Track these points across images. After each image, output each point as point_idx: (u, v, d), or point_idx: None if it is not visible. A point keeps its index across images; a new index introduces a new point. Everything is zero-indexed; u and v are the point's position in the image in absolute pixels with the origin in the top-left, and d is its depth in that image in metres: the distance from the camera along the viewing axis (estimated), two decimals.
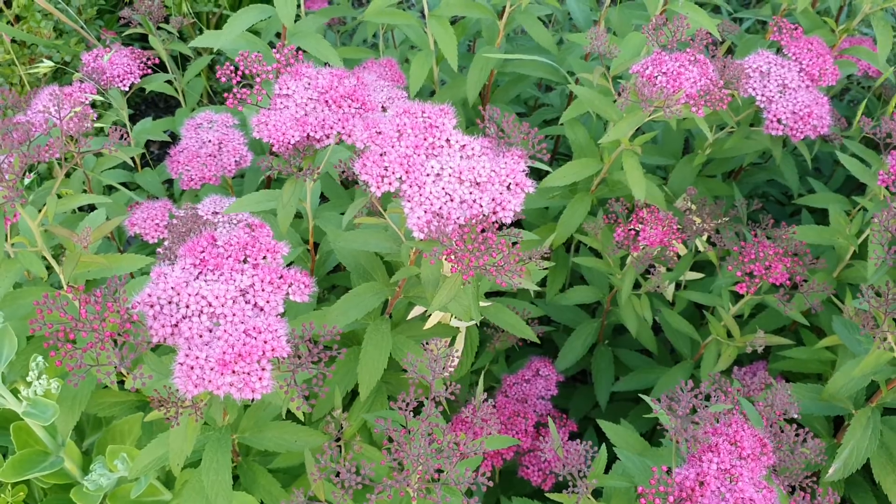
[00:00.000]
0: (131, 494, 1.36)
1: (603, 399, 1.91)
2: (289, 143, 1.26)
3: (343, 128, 1.28)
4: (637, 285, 1.77)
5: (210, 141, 1.69)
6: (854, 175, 1.61)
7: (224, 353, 0.98)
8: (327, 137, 1.28)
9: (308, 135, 1.26)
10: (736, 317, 1.72)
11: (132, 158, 2.00)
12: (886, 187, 1.50)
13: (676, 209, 1.75)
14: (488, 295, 1.75)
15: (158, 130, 1.94)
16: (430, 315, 1.48)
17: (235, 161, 1.69)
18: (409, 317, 1.48)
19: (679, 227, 1.63)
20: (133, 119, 1.99)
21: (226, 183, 1.79)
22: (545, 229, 1.84)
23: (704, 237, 1.72)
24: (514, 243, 1.16)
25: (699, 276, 1.82)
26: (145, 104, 3.05)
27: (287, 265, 1.13)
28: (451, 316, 1.50)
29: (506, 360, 1.95)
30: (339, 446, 1.37)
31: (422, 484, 1.13)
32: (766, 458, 1.05)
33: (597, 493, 1.32)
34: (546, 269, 1.92)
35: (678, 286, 1.84)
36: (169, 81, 2.04)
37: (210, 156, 1.68)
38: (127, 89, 1.78)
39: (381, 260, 1.46)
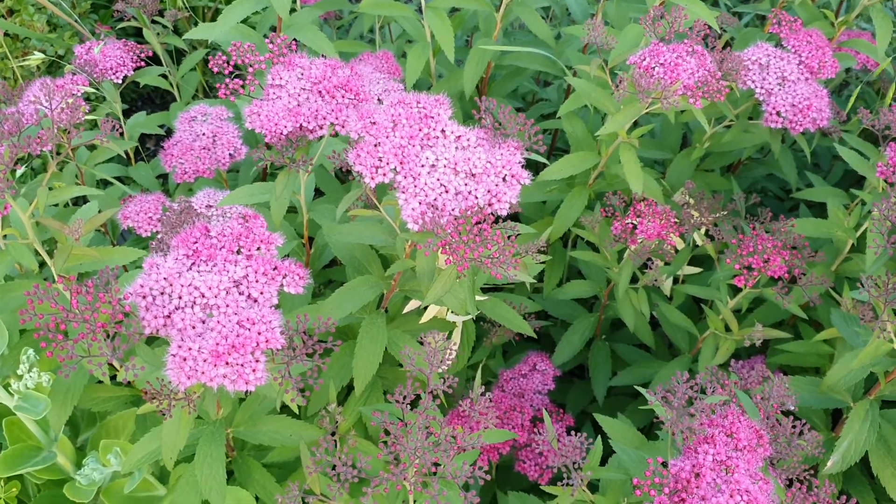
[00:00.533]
0: (125, 489, 1.35)
1: (600, 394, 1.90)
2: (281, 133, 1.25)
3: (336, 118, 1.27)
4: (634, 279, 1.76)
5: (204, 134, 1.68)
6: (853, 168, 1.60)
7: (217, 344, 0.97)
8: (320, 128, 1.26)
9: (301, 125, 1.25)
10: (734, 311, 1.71)
11: (126, 153, 1.99)
12: (885, 179, 1.49)
13: (674, 203, 1.74)
14: (485, 290, 1.74)
15: (153, 124, 1.93)
16: (426, 309, 1.47)
17: (230, 154, 1.68)
18: (405, 311, 1.47)
19: (677, 220, 1.63)
20: (129, 114, 1.98)
21: (220, 176, 1.78)
22: (543, 223, 1.83)
23: (702, 231, 1.71)
24: (510, 236, 1.15)
25: (697, 270, 1.81)
26: (141, 100, 3.04)
27: (281, 259, 1.12)
28: (448, 310, 1.49)
29: (503, 355, 1.94)
30: (335, 441, 1.36)
31: (418, 478, 1.12)
32: (762, 450, 1.04)
33: (593, 488, 1.31)
34: (543, 263, 1.91)
35: (676, 280, 1.83)
36: (164, 75, 2.03)
37: (204, 149, 1.66)
38: (120, 82, 1.76)
39: (376, 253, 1.44)
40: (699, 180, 1.91)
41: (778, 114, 1.62)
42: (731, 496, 0.98)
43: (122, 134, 1.80)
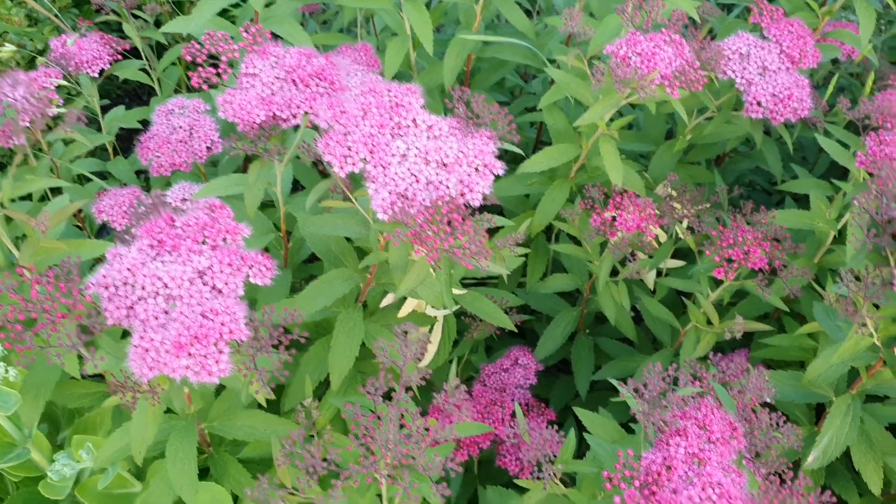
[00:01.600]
0: (98, 485, 1.33)
1: (583, 388, 1.89)
2: (254, 122, 1.23)
3: (311, 107, 1.25)
4: (615, 272, 1.74)
5: (181, 127, 1.66)
6: (835, 159, 1.58)
7: (180, 335, 0.95)
8: (294, 117, 1.25)
9: (274, 114, 1.24)
10: (717, 305, 1.70)
11: (106, 148, 1.97)
12: (865, 169, 1.48)
13: (657, 195, 1.73)
14: (468, 284, 1.73)
15: (132, 119, 1.91)
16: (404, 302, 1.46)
17: (206, 147, 1.66)
18: (383, 304, 1.46)
19: (657, 212, 1.61)
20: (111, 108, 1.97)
21: (198, 170, 1.76)
22: (525, 216, 1.82)
23: (684, 224, 1.69)
24: (490, 230, 1.13)
25: (681, 263, 1.80)
26: (128, 96, 3.02)
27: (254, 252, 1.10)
28: (427, 304, 1.47)
29: (486, 350, 1.93)
30: (312, 436, 1.35)
31: (390, 470, 1.10)
32: (736, 443, 1.02)
33: (572, 481, 1.30)
34: (524, 256, 1.89)
35: (660, 273, 1.82)
36: (145, 70, 2.01)
37: (181, 142, 1.65)
38: (97, 76, 1.75)
39: (352, 246, 1.43)
40: (684, 173, 1.89)
41: (759, 104, 1.60)
42: (703, 489, 0.96)
43: (99, 128, 1.79)
